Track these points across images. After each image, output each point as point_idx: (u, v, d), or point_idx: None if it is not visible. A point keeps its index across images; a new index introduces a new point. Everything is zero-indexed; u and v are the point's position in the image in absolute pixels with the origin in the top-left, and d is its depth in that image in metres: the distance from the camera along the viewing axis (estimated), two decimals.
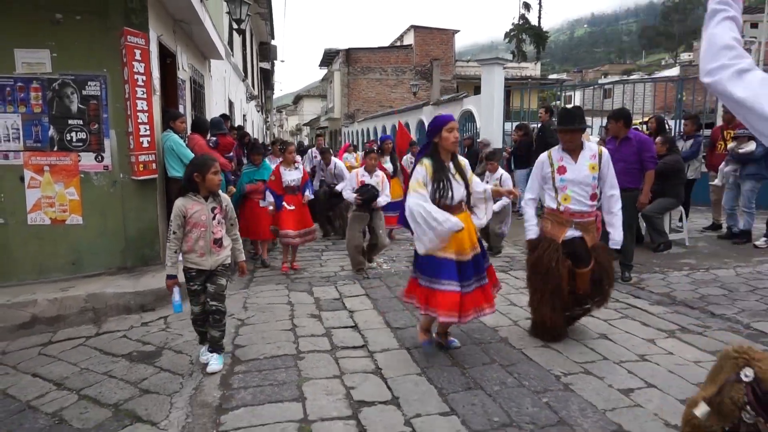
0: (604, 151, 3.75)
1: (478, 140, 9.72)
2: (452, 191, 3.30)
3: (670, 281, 5.24)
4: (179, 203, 3.31)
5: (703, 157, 7.66)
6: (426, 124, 15.68)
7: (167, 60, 6.37)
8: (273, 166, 6.54)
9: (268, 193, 5.96)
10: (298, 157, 9.68)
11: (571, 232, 3.68)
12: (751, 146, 6.41)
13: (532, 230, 3.83)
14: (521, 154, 8.89)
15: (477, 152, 10.04)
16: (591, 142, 3.88)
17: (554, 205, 3.75)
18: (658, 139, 6.31)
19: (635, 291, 4.99)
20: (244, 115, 16.56)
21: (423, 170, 3.32)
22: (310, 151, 10.20)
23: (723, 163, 6.87)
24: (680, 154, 6.49)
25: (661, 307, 4.50)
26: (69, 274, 5.15)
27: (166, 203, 5.47)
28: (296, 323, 4.26)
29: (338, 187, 7.26)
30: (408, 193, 3.37)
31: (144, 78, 5.08)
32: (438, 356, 3.53)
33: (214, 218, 3.36)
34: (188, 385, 3.19)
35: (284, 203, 5.96)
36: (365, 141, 23.41)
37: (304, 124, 50.87)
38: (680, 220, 6.81)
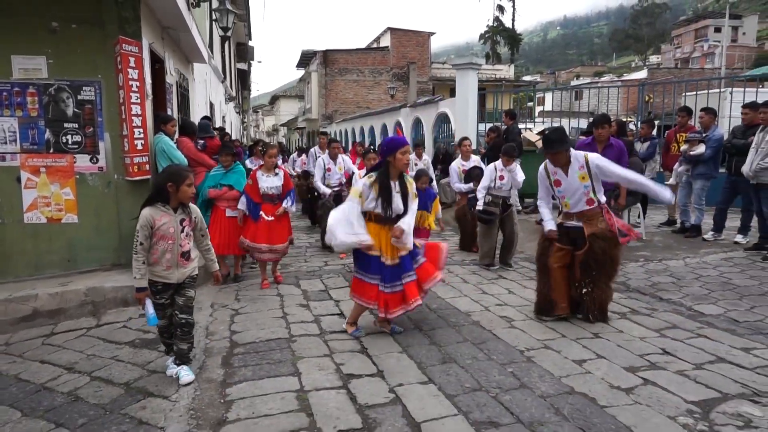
0: (590, 156, 4.07)
1: (451, 143, 10.16)
2: (392, 207, 3.78)
3: (627, 272, 5.75)
4: (146, 213, 3.15)
5: (659, 155, 8.25)
6: (403, 126, 16.14)
7: (156, 65, 6.64)
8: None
9: (243, 198, 5.44)
10: (288, 162, 9.81)
11: (572, 222, 4.19)
12: (701, 149, 6.98)
13: (549, 224, 4.31)
14: (494, 155, 9.36)
15: (451, 154, 10.53)
16: (577, 152, 4.17)
17: (561, 208, 4.34)
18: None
19: None
20: (223, 117, 16.76)
21: (367, 183, 3.80)
22: (313, 150, 9.41)
23: (677, 163, 7.43)
24: (638, 156, 7.03)
25: (616, 293, 4.97)
26: (64, 271, 5.40)
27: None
28: (287, 311, 4.62)
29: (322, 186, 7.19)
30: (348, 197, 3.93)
31: (138, 84, 5.36)
32: (416, 336, 3.94)
33: (182, 231, 3.25)
34: (193, 365, 3.52)
35: (261, 213, 5.40)
36: (346, 142, 23.73)
37: (281, 125, 50.85)
38: (639, 216, 7.37)
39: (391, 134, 17.24)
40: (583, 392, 3.00)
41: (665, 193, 3.97)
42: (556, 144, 4.05)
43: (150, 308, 3.24)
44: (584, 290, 4.20)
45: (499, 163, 6.03)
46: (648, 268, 5.85)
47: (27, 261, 5.36)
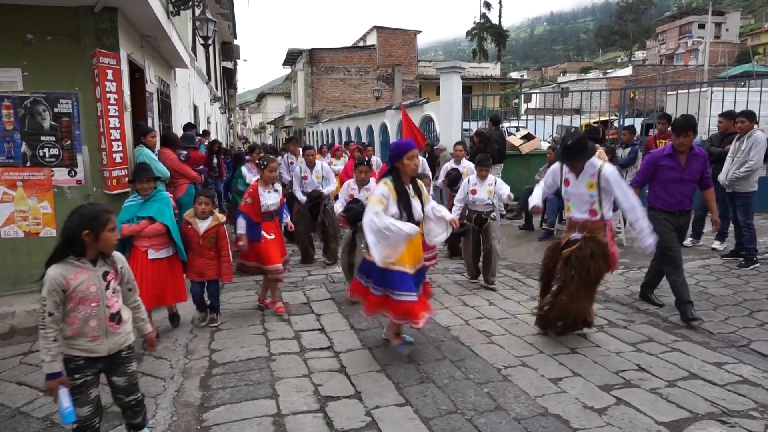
0: (607, 169, 3.90)
1: (435, 146, 10.19)
2: (412, 211, 3.71)
3: (606, 280, 5.76)
4: (54, 274, 2.40)
5: (639, 161, 8.34)
6: (389, 127, 16.13)
7: (136, 74, 6.57)
8: (252, 178, 6.22)
9: (241, 220, 4.80)
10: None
11: (575, 235, 4.07)
12: None
13: (535, 199, 4.44)
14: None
15: (435, 157, 10.56)
16: (595, 160, 3.99)
17: (566, 213, 4.28)
18: (600, 150, 6.89)
19: None
20: (208, 118, 16.63)
21: (386, 190, 3.68)
22: (286, 156, 9.11)
23: None
24: (618, 162, 7.11)
25: (595, 304, 5.05)
26: None
27: None
28: (267, 327, 4.62)
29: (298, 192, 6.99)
30: (366, 207, 3.75)
31: (116, 96, 5.30)
32: (395, 353, 3.96)
33: (107, 287, 2.55)
34: (170, 387, 3.52)
35: (263, 232, 4.90)
36: (330, 143, 23.65)
37: (268, 123, 50.56)
38: (619, 222, 7.45)
39: (377, 135, 17.23)
40: (556, 413, 3.05)
41: (649, 240, 3.91)
42: (575, 157, 3.92)
43: (65, 401, 2.44)
44: (553, 287, 4.10)
45: (473, 176, 5.86)
46: (627, 277, 5.93)
47: (5, 276, 5.30)
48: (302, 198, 6.97)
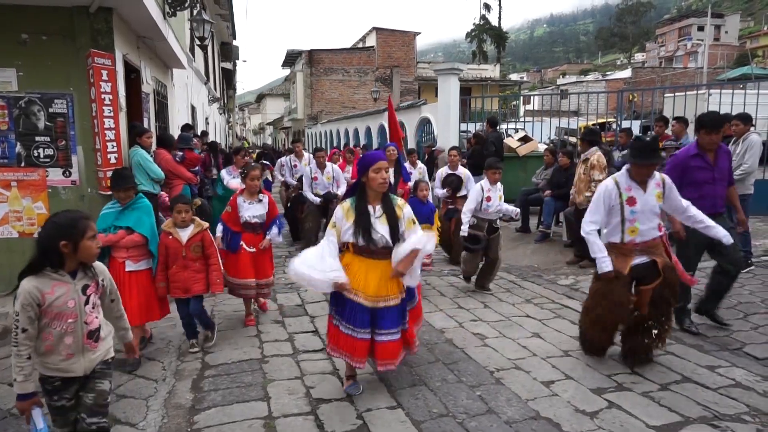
0: (666, 177, 3.60)
1: (434, 148, 10.19)
2: (371, 235, 3.15)
3: None
4: (29, 287, 2.22)
5: None
6: (387, 129, 16.11)
7: (131, 75, 6.57)
8: (231, 182, 6.00)
9: (219, 226, 4.64)
10: (276, 168, 8.62)
11: (639, 259, 3.55)
12: None
13: (606, 262, 3.54)
14: (474, 163, 9.39)
15: (434, 158, 10.57)
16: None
17: (617, 239, 3.58)
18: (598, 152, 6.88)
19: (570, 292, 5.55)
20: (206, 118, 16.62)
21: (340, 212, 3.24)
22: (287, 159, 8.89)
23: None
24: (614, 165, 7.10)
25: None
26: None
27: None
28: (261, 329, 4.61)
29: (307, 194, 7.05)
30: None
31: (111, 97, 5.30)
32: None
33: (86, 302, 2.35)
34: (162, 389, 3.50)
35: (242, 243, 4.59)
36: (331, 143, 23.67)
37: (268, 123, 50.58)
38: None
39: (375, 137, 17.23)
40: (548, 417, 3.04)
41: (719, 232, 3.57)
42: (655, 154, 3.45)
43: (40, 422, 2.29)
44: (654, 331, 3.63)
45: (485, 182, 5.46)
46: None
47: (0, 276, 5.29)
48: (314, 198, 7.10)
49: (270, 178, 9.23)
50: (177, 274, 4.00)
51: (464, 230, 5.38)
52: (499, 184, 5.53)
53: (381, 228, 3.18)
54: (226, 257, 4.52)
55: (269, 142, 50.47)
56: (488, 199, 5.39)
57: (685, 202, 3.61)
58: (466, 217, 5.39)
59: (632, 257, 3.55)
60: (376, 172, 3.14)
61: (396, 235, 3.20)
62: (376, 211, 3.21)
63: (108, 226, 3.87)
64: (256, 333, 4.52)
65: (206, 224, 4.15)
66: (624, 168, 3.62)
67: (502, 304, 5.23)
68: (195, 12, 8.72)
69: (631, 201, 3.49)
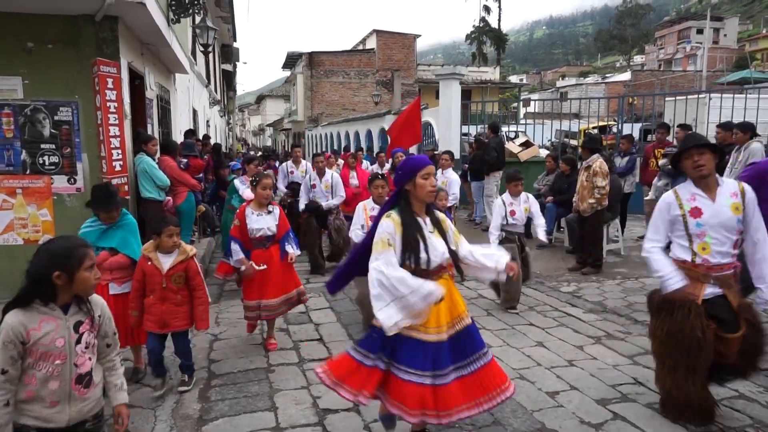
0: (746, 187, 3.02)
1: (436, 152, 10.22)
2: (428, 253, 2.58)
3: (604, 290, 5.85)
4: (13, 322, 1.95)
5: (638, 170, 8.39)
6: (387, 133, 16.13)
7: (135, 81, 6.59)
8: (244, 191, 5.76)
9: (234, 246, 4.22)
10: (279, 173, 8.02)
11: (711, 290, 2.96)
12: None
13: (674, 278, 2.98)
14: (475, 168, 9.45)
15: (436, 162, 10.60)
16: (728, 178, 3.27)
17: (687, 257, 3.01)
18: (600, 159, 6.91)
19: (572, 300, 5.57)
20: (207, 121, 16.66)
21: (391, 226, 2.59)
22: (285, 165, 8.52)
23: (656, 178, 7.54)
24: (616, 172, 7.14)
25: (593, 315, 5.09)
26: None
27: (139, 223, 5.75)
28: (265, 337, 4.63)
29: (326, 203, 6.69)
30: (371, 255, 2.60)
31: (116, 105, 5.32)
32: None
33: (78, 341, 2.05)
34: (169, 399, 3.52)
35: (251, 262, 4.22)
36: (331, 146, 23.66)
37: (267, 125, 50.59)
38: (617, 231, 7.48)
39: (375, 140, 17.23)
40: (553, 428, 3.06)
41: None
42: (702, 138, 3.06)
43: None
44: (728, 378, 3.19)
45: (507, 195, 5.29)
46: (625, 287, 5.96)
47: (4, 283, 5.26)
48: (301, 206, 6.83)
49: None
50: (153, 306, 3.47)
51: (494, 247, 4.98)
52: (524, 195, 5.32)
53: (438, 243, 2.65)
54: (245, 281, 4.29)
55: (269, 143, 50.50)
56: (512, 213, 5.24)
57: (762, 235, 2.95)
58: (493, 236, 5.22)
59: (705, 284, 2.96)
60: (425, 179, 2.62)
61: (450, 248, 2.71)
62: (427, 224, 2.69)
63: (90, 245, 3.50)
64: (261, 341, 4.54)
65: (193, 251, 3.61)
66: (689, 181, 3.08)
67: (505, 311, 5.26)
68: (199, 19, 8.75)
69: (696, 212, 2.96)
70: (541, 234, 5.25)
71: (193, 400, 3.50)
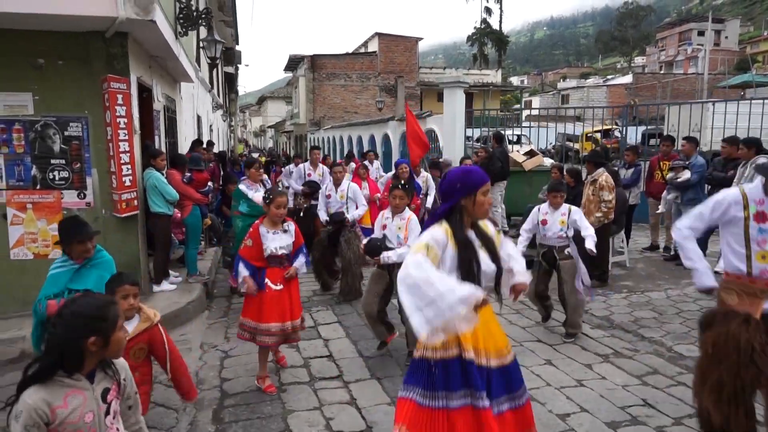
0: None
1: (441, 160, 10.24)
2: (480, 274, 2.38)
3: (611, 304, 5.87)
4: (34, 402, 1.69)
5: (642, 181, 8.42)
6: (391, 138, 16.16)
7: (143, 94, 6.62)
8: (258, 195, 5.49)
9: (241, 267, 3.94)
10: (283, 175, 8.17)
11: None
12: (686, 174, 7.10)
13: (708, 275, 2.79)
14: None
15: (441, 170, 10.63)
16: None
17: (743, 267, 2.71)
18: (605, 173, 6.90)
19: None
20: (210, 125, 16.69)
21: (443, 236, 2.36)
22: (302, 167, 8.26)
23: (665, 191, 7.52)
24: (621, 184, 7.16)
25: (600, 330, 5.11)
26: None
27: (147, 237, 5.82)
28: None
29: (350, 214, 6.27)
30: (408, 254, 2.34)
31: (126, 120, 5.36)
32: None
33: (108, 411, 1.85)
34: (183, 420, 3.55)
35: (267, 280, 3.94)
36: (334, 150, 23.66)
37: (269, 126, 50.63)
38: (622, 242, 7.51)
39: (378, 145, 17.24)
40: None
41: None
42: None
43: None
44: None
45: (545, 205, 5.04)
46: (631, 301, 5.98)
47: (14, 297, 5.34)
48: (324, 218, 6.39)
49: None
50: None
51: (520, 249, 4.79)
52: (566, 207, 4.93)
53: (486, 259, 2.43)
54: (247, 298, 4.02)
55: (270, 144, 50.53)
56: (544, 222, 4.97)
57: None
58: (522, 237, 5.08)
59: (763, 300, 2.66)
60: (484, 195, 2.43)
61: (500, 267, 2.50)
62: (476, 239, 2.47)
63: (61, 289, 3.10)
64: (272, 358, 4.55)
65: (157, 317, 3.05)
66: (758, 180, 2.78)
67: (513, 327, 5.28)
68: (205, 32, 8.78)
69: (761, 217, 2.66)
70: (589, 242, 4.77)
71: (207, 422, 3.53)
